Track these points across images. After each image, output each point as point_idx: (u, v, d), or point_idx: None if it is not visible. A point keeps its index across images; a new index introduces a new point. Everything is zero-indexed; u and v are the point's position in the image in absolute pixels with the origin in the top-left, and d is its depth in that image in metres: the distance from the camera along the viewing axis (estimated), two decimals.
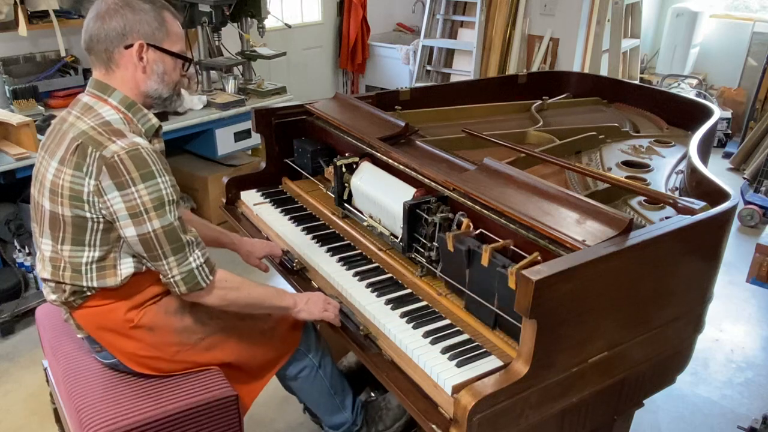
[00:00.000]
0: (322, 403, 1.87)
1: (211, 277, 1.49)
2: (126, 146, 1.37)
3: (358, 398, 1.95)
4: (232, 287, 1.55)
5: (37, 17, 3.11)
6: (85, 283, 1.50)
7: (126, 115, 1.48)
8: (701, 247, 1.46)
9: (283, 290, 1.68)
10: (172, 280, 1.46)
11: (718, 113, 2.28)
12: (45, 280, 1.55)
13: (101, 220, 1.43)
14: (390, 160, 1.83)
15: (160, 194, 1.40)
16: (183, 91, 3.03)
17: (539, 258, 1.36)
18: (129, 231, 1.41)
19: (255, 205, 2.15)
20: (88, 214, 1.42)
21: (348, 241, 1.89)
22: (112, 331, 1.56)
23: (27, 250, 2.96)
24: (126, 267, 1.50)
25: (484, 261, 1.41)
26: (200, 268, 1.47)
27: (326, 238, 1.91)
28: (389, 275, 1.71)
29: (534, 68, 4.98)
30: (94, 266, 1.49)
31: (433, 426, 1.26)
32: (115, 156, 1.36)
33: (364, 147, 1.95)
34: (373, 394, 2.00)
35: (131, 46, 1.45)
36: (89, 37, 1.46)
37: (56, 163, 1.43)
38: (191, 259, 1.46)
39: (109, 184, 1.37)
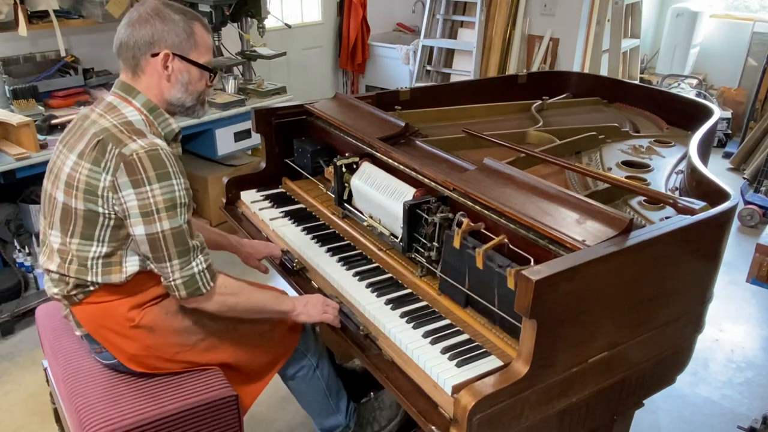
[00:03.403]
0: (316, 404, 1.88)
1: (212, 284, 1.50)
2: (146, 145, 1.40)
3: (352, 402, 1.94)
4: (232, 293, 1.55)
5: (37, 17, 3.11)
6: (89, 278, 1.50)
7: (147, 117, 1.51)
8: (701, 247, 1.46)
9: (281, 294, 1.68)
10: (173, 283, 1.46)
11: (718, 113, 2.28)
12: (49, 271, 1.55)
13: (113, 216, 1.45)
14: (390, 160, 1.83)
15: (174, 195, 1.42)
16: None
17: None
18: (138, 229, 1.42)
19: (255, 205, 2.15)
20: (100, 209, 1.44)
21: (348, 241, 1.89)
22: (111, 331, 1.56)
23: (27, 250, 2.96)
24: (131, 264, 1.51)
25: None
26: (202, 274, 1.48)
27: (326, 238, 1.91)
28: (389, 275, 1.71)
29: (534, 68, 4.98)
30: (100, 261, 1.50)
31: (433, 426, 1.26)
32: (134, 154, 1.39)
33: (364, 147, 1.95)
34: (372, 394, 1.99)
35: (157, 54, 1.48)
36: (119, 44, 1.50)
37: (75, 156, 1.46)
38: (194, 263, 1.46)
39: (125, 181, 1.39)
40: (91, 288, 1.53)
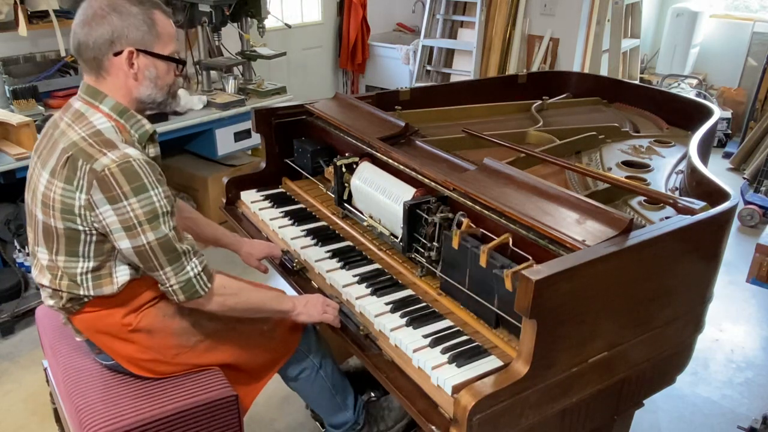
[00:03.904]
0: (323, 402, 1.87)
1: (209, 285, 1.48)
2: (117, 159, 1.34)
3: (360, 398, 1.94)
4: (231, 293, 1.54)
5: (37, 17, 3.11)
6: (81, 292, 1.49)
7: (118, 122, 1.45)
8: (701, 247, 1.46)
9: (282, 294, 1.68)
10: (170, 288, 1.45)
11: (718, 113, 2.28)
12: (43, 286, 1.54)
13: (94, 232, 1.42)
14: (390, 160, 1.83)
15: (154, 207, 1.37)
16: (181, 91, 3.01)
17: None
18: (123, 243, 1.39)
19: (255, 205, 2.15)
20: (80, 227, 1.40)
21: (348, 241, 1.89)
22: (110, 335, 1.56)
23: (27, 250, 2.96)
24: (122, 275, 1.49)
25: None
26: (198, 277, 1.46)
27: (326, 238, 1.91)
28: (389, 275, 1.71)
29: (534, 68, 4.98)
30: (89, 276, 1.47)
31: (433, 427, 1.26)
32: (106, 170, 1.33)
33: (364, 147, 1.95)
34: (373, 394, 1.99)
35: (120, 53, 1.41)
36: (77, 44, 1.42)
37: (47, 174, 1.41)
38: (188, 268, 1.44)
39: (100, 198, 1.35)
40: (85, 300, 1.51)
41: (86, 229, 1.41)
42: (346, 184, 1.94)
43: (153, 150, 1.54)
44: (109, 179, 1.33)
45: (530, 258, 1.39)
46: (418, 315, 1.53)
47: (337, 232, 1.96)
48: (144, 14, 1.42)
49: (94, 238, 1.43)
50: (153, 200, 1.37)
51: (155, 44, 1.44)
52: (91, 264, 1.46)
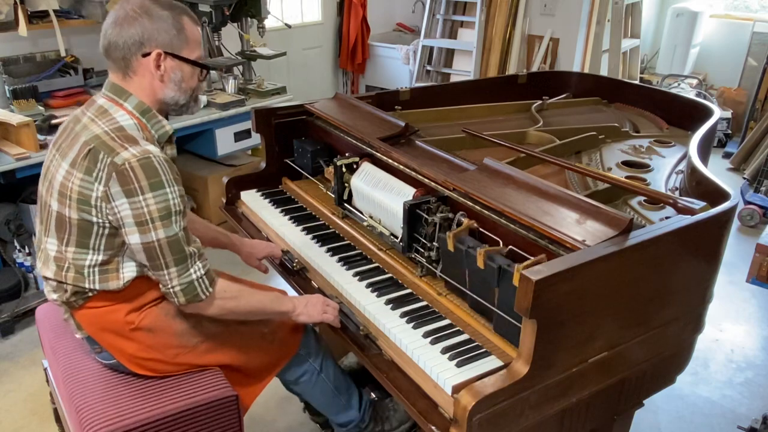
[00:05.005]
0: (327, 403, 1.87)
1: (210, 289, 1.49)
2: (138, 154, 1.37)
3: (365, 396, 1.94)
4: (231, 296, 1.55)
5: (37, 17, 3.11)
6: (87, 285, 1.50)
7: (140, 120, 1.48)
8: (701, 247, 1.46)
9: (281, 295, 1.68)
10: (171, 290, 1.45)
11: (718, 113, 2.28)
12: (47, 278, 1.55)
13: (107, 225, 1.43)
14: (390, 160, 1.83)
15: (168, 204, 1.39)
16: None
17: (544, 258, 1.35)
18: (134, 238, 1.40)
19: (255, 205, 2.15)
20: (94, 219, 1.42)
21: (348, 241, 1.89)
22: (112, 333, 1.56)
23: (27, 250, 2.96)
24: (129, 271, 1.50)
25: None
26: (200, 280, 1.47)
27: (326, 238, 1.91)
28: (389, 275, 1.71)
29: (534, 68, 4.98)
30: (97, 269, 1.48)
31: (433, 427, 1.26)
32: (126, 163, 1.36)
33: (364, 147, 1.95)
34: (373, 395, 1.99)
35: (149, 54, 1.44)
36: (107, 43, 1.45)
37: (67, 165, 1.43)
38: (192, 270, 1.45)
39: (117, 191, 1.37)
40: (90, 294, 1.52)
41: (100, 221, 1.42)
42: (346, 184, 1.94)
43: (170, 151, 1.57)
44: (128, 173, 1.36)
45: (530, 257, 1.39)
46: (418, 315, 1.53)
47: (337, 232, 1.96)
48: (174, 19, 1.46)
49: (106, 230, 1.44)
50: (168, 197, 1.39)
51: (183, 48, 1.48)
52: (100, 257, 1.47)
